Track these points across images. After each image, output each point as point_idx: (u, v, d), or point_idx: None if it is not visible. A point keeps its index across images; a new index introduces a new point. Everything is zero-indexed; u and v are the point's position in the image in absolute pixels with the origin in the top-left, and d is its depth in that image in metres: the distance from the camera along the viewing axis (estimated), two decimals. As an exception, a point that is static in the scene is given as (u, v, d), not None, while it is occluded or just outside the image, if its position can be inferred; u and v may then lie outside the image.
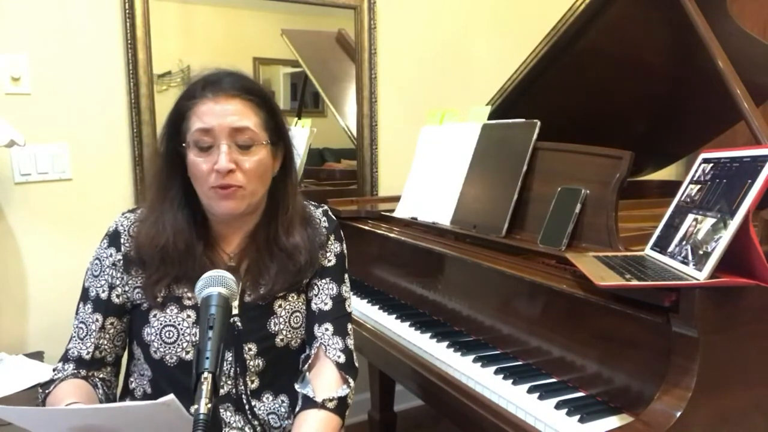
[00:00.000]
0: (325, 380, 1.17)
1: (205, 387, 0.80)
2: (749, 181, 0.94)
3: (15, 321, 1.91)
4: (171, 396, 0.83)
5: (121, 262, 1.16)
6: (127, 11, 1.95)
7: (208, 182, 1.09)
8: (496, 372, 1.27)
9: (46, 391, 1.12)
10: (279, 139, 1.17)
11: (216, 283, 0.91)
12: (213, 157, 1.08)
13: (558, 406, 1.12)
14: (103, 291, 1.16)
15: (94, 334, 1.15)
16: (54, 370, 1.16)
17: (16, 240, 1.89)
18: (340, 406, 1.14)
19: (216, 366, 0.82)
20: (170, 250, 1.12)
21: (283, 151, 1.19)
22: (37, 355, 1.80)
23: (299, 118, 2.37)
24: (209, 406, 0.78)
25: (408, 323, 1.59)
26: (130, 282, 1.15)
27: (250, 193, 1.12)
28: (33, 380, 1.57)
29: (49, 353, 1.81)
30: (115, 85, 1.98)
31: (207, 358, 0.82)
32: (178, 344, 1.12)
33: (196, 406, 0.78)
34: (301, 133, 2.32)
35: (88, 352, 1.14)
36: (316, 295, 1.23)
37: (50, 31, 1.87)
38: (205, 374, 0.81)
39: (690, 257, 1.01)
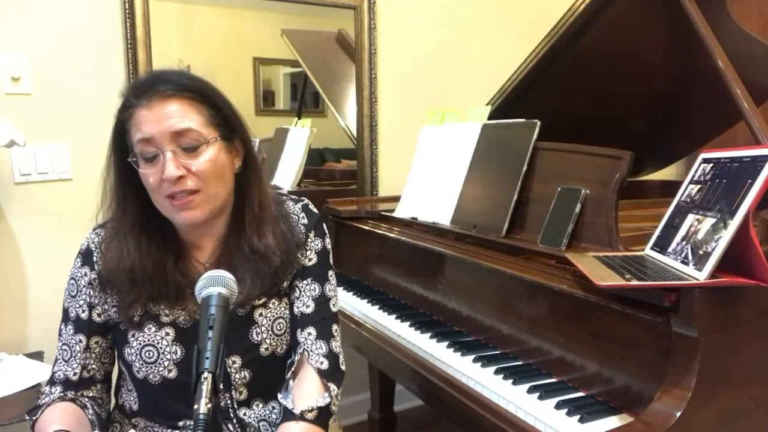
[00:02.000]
0: (305, 389, 1.12)
1: (205, 387, 0.80)
2: (749, 181, 0.94)
3: (15, 321, 1.91)
4: None
5: (97, 281, 1.12)
6: (127, 11, 1.95)
7: (161, 193, 1.03)
8: (496, 372, 1.27)
9: (33, 418, 1.08)
10: (232, 132, 1.09)
11: (216, 283, 0.91)
12: (160, 166, 1.02)
13: (558, 406, 1.12)
14: (83, 311, 1.13)
15: (79, 355, 1.12)
16: (41, 395, 1.12)
17: (16, 240, 1.89)
18: (321, 416, 1.09)
19: (216, 366, 0.82)
20: (138, 272, 1.07)
21: (242, 144, 1.12)
22: (37, 355, 1.80)
23: (299, 118, 2.38)
24: (209, 405, 0.78)
25: (408, 323, 1.59)
26: (108, 300, 1.12)
27: (212, 196, 1.06)
28: (33, 380, 1.57)
29: (49, 353, 1.81)
30: (115, 85, 1.95)
31: (207, 357, 0.82)
32: (159, 363, 1.09)
33: (196, 406, 0.78)
34: (301, 133, 2.33)
35: (75, 374, 1.11)
36: (297, 298, 1.18)
37: (50, 31, 1.87)
38: (205, 374, 0.81)
39: (690, 257, 1.01)
